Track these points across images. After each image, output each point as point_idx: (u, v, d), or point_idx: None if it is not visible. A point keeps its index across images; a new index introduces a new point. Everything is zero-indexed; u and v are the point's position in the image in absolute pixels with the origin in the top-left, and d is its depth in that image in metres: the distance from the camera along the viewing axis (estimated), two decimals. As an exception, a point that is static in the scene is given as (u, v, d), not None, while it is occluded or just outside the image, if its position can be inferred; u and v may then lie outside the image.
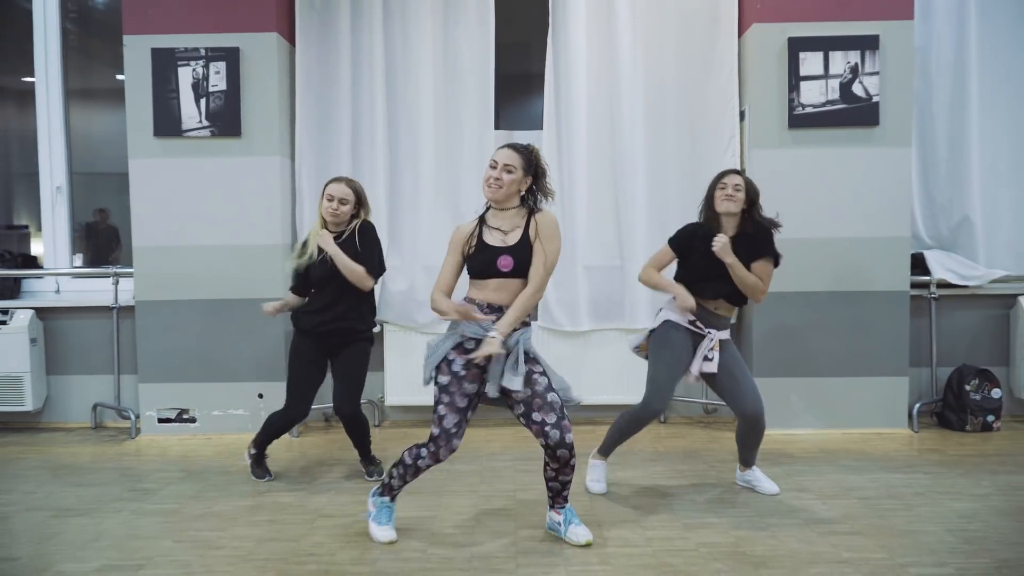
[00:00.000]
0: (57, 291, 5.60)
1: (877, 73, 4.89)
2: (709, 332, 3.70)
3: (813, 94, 4.92)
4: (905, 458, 4.46)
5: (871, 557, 3.09)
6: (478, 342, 3.10)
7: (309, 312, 4.08)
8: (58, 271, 5.57)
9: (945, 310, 5.28)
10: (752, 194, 3.73)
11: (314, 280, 4.05)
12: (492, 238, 3.18)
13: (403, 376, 5.25)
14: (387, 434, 5.11)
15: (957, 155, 5.33)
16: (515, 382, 3.04)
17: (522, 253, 3.14)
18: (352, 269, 3.91)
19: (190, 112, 5.01)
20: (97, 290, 5.48)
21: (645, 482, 4.05)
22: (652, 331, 3.81)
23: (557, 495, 3.29)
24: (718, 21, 5.20)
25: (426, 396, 5.13)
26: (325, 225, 4.03)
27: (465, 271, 3.27)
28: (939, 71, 5.33)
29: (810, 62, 4.91)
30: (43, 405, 5.34)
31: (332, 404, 4.10)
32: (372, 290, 4.09)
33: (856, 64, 4.89)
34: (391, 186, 5.30)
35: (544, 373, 3.18)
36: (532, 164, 3.18)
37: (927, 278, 5.19)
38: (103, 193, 6.19)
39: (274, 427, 4.13)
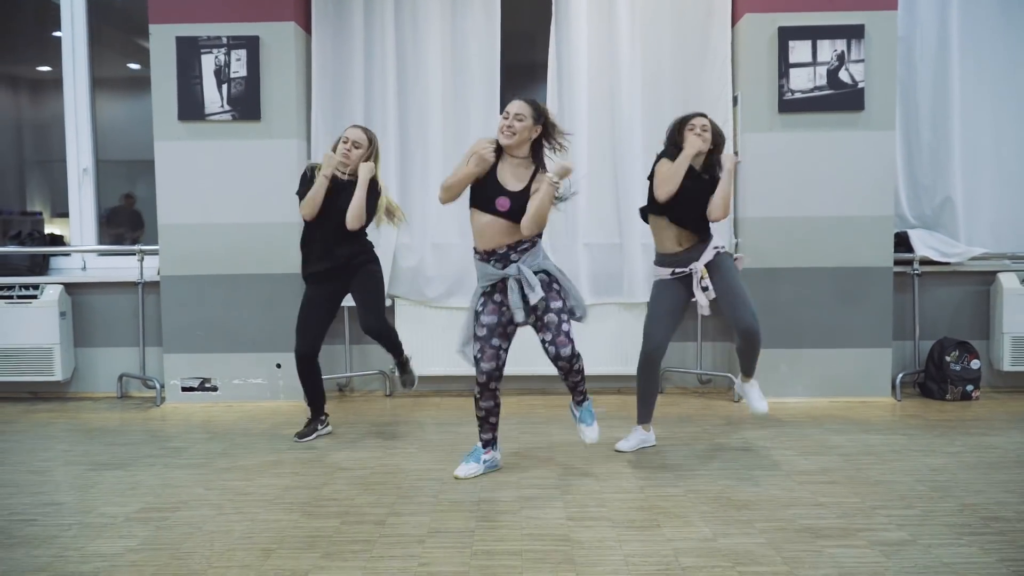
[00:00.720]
0: (84, 268, 5.88)
1: (862, 61, 5.14)
2: (692, 268, 3.98)
3: (802, 80, 5.18)
4: (886, 422, 4.74)
5: (844, 501, 3.37)
6: (494, 286, 3.53)
7: (314, 259, 4.37)
8: (87, 248, 5.83)
9: (927, 286, 5.53)
10: (717, 138, 3.98)
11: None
12: (503, 176, 3.52)
13: (413, 348, 5.46)
14: (398, 403, 5.40)
15: (940, 139, 5.58)
16: (518, 315, 3.45)
17: (520, 202, 3.48)
18: (359, 205, 4.20)
19: (212, 97, 5.29)
20: (121, 267, 5.76)
21: (641, 442, 4.33)
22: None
23: (573, 391, 3.77)
24: (712, 11, 5.44)
25: (436, 366, 5.44)
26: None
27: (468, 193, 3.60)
28: (922, 59, 5.57)
29: (799, 50, 5.16)
30: (71, 376, 5.63)
31: (360, 324, 4.44)
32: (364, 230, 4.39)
33: (842, 52, 5.15)
34: (401, 168, 5.57)
35: (559, 292, 3.57)
36: (541, 115, 3.51)
37: (910, 255, 5.43)
38: (114, 179, 6.35)
39: (301, 376, 4.43)
